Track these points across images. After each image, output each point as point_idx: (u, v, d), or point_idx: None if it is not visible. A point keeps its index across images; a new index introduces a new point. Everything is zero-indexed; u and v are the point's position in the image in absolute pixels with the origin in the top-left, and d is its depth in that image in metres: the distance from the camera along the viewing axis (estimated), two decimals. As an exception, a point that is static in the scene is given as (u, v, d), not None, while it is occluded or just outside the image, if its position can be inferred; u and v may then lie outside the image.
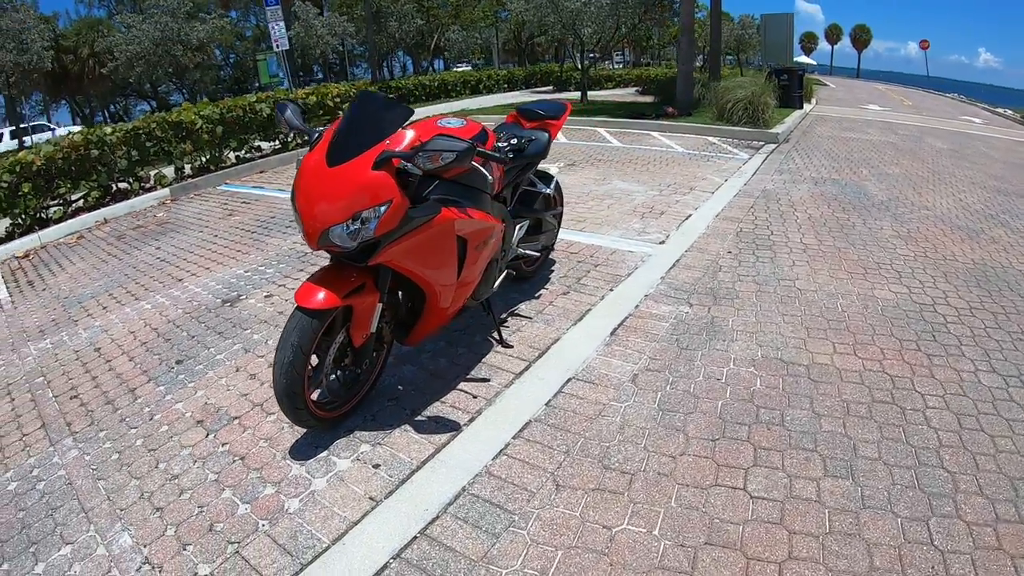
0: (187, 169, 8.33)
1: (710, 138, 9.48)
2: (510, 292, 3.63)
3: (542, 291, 3.69)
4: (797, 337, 3.03)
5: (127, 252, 5.56)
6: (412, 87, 21.44)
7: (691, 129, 10.14)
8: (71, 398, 3.04)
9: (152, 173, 7.96)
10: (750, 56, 31.41)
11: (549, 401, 2.57)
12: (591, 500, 1.98)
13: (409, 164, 2.08)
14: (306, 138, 2.39)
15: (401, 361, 2.98)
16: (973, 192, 6.26)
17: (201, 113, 8.20)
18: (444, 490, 2.08)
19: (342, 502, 2.07)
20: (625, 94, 20.01)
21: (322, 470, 2.25)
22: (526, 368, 2.84)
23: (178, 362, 3.26)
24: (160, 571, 1.88)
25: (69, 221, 6.79)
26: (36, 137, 17.40)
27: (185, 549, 1.95)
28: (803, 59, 40.97)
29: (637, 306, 3.44)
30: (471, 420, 2.47)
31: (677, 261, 4.11)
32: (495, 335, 3.10)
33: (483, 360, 2.94)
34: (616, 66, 38.24)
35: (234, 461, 2.36)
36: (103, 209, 7.12)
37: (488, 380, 2.76)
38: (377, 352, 2.55)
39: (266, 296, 4.01)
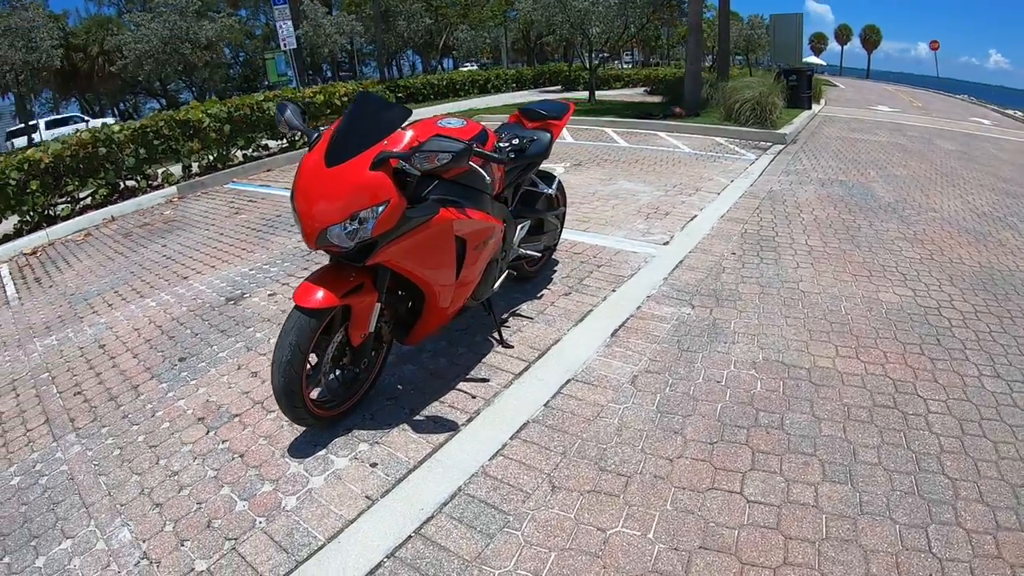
0: (195, 167, 8.39)
1: (717, 138, 9.44)
2: (512, 292, 3.63)
3: (544, 291, 3.68)
4: (799, 340, 3.01)
5: (134, 250, 5.60)
6: (420, 86, 21.46)
7: (698, 129, 10.10)
8: (75, 394, 3.06)
9: (160, 171, 8.02)
10: (759, 56, 31.24)
11: (548, 402, 2.56)
12: (586, 502, 1.98)
13: (406, 164, 2.08)
14: (307, 138, 2.40)
15: (402, 360, 2.99)
16: (981, 194, 6.20)
17: (209, 111, 8.25)
18: (440, 490, 2.08)
19: (339, 500, 2.08)
20: (633, 94, 19.96)
21: (320, 468, 2.25)
22: (526, 369, 2.84)
23: (181, 359, 3.28)
24: (158, 566, 1.89)
25: (77, 218, 6.86)
26: (70, 128, 17.48)
27: (183, 545, 1.96)
28: (812, 59, 40.78)
29: (639, 307, 3.43)
30: (469, 420, 2.48)
31: (680, 262, 4.10)
32: (496, 335, 3.10)
33: (483, 360, 2.94)
34: (625, 66, 38.15)
35: (233, 458, 2.37)
36: (111, 207, 7.18)
37: (487, 380, 2.76)
38: (376, 351, 2.55)
39: (270, 294, 4.03)
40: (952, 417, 2.36)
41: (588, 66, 17.59)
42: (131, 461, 2.44)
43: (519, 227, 3.19)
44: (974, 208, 5.57)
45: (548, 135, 3.29)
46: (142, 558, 1.93)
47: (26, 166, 6.39)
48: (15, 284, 5.15)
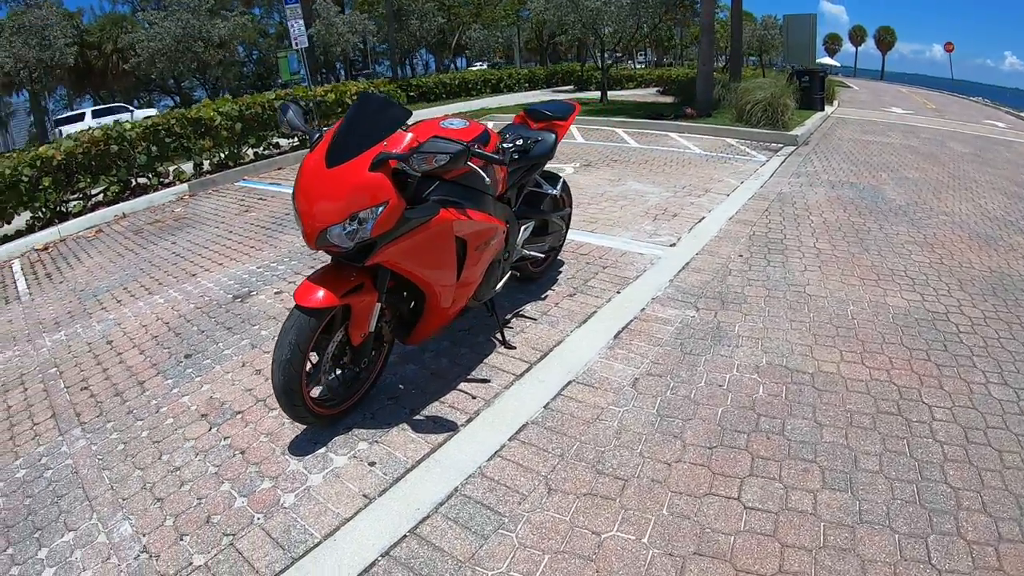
0: (206, 165, 8.47)
1: (728, 139, 9.38)
2: (516, 293, 3.63)
3: (548, 292, 3.68)
4: (804, 344, 2.98)
5: (144, 246, 5.66)
6: (433, 85, 21.53)
7: (709, 130, 10.04)
8: (82, 389, 3.10)
9: (171, 169, 8.10)
10: (773, 57, 31.00)
11: (548, 403, 2.56)
12: (582, 505, 1.97)
13: (405, 165, 2.08)
14: (308, 138, 2.41)
15: (404, 360, 3.00)
16: (994, 198, 6.11)
17: (220, 110, 8.32)
18: (437, 490, 2.09)
19: (336, 498, 2.09)
20: (646, 94, 19.88)
21: (319, 466, 2.27)
22: (527, 370, 2.83)
23: (187, 356, 3.31)
24: (157, 560, 1.91)
25: (89, 215, 6.94)
26: (114, 118, 17.61)
27: (182, 539, 1.98)
28: (826, 60, 40.40)
29: (643, 309, 3.41)
30: (469, 421, 2.48)
31: (687, 264, 4.07)
32: (498, 336, 3.11)
33: (485, 361, 2.94)
34: (638, 66, 38.00)
35: (234, 455, 2.40)
36: (122, 203, 7.26)
37: (488, 381, 2.76)
38: (377, 351, 2.56)
39: (276, 293, 4.06)
40: (957, 425, 2.33)
41: (600, 66, 17.55)
42: (134, 456, 2.47)
43: (523, 228, 3.19)
44: (986, 212, 5.49)
45: (553, 136, 3.28)
46: (142, 551, 1.95)
47: (39, 163, 6.48)
48: (26, 279, 5.22)
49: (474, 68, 34.85)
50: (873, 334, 3.07)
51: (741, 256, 4.22)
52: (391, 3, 24.40)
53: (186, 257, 5.13)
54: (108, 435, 2.65)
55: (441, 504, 2.03)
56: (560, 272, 3.98)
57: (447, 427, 2.44)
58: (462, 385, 2.74)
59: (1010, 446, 2.20)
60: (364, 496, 2.09)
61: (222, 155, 8.60)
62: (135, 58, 20.55)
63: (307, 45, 10.13)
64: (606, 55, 17.93)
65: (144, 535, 2.02)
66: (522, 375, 2.79)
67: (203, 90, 25.24)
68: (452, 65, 37.85)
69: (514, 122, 3.50)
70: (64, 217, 6.87)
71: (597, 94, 17.08)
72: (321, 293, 2.13)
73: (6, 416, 2.96)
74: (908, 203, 5.65)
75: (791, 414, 2.42)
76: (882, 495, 1.97)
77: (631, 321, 3.27)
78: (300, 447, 2.39)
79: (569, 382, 2.71)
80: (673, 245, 4.45)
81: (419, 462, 2.24)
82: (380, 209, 2.02)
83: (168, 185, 7.89)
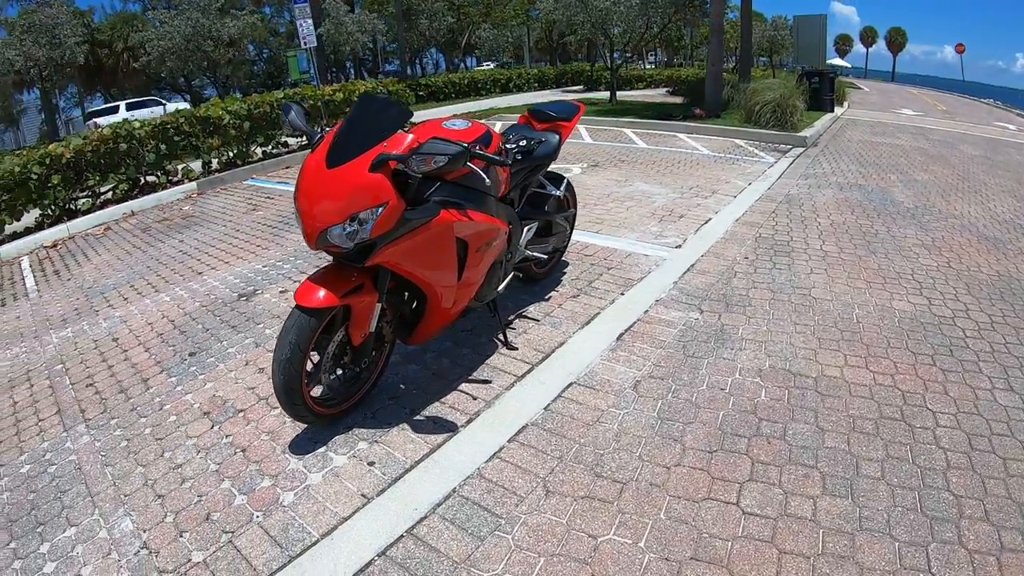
0: (214, 163, 8.52)
1: (737, 140, 9.33)
2: (520, 294, 3.63)
3: (552, 293, 3.67)
4: (808, 348, 2.96)
5: (151, 244, 5.71)
6: (442, 84, 21.58)
7: (718, 131, 10.00)
8: (87, 386, 3.13)
9: (180, 167, 8.15)
10: (783, 58, 30.82)
11: (548, 405, 2.56)
12: (579, 508, 1.97)
13: (405, 166, 2.09)
14: (310, 139, 2.42)
15: (406, 360, 3.00)
16: (1003, 201, 6.03)
17: (229, 109, 8.38)
18: (435, 490, 2.09)
19: (335, 497, 2.10)
20: (655, 94, 19.83)
21: (319, 465, 2.28)
22: (528, 371, 2.83)
23: (191, 354, 3.33)
24: (156, 556, 1.93)
25: (97, 212, 7.01)
26: (147, 111, 17.68)
27: (182, 536, 2.00)
28: (837, 61, 40.11)
29: (646, 311, 3.40)
30: (468, 421, 2.48)
31: (692, 266, 4.05)
32: (500, 337, 3.10)
33: (486, 362, 2.94)
34: (649, 66, 37.91)
35: (235, 453, 2.41)
36: (131, 201, 7.33)
37: (489, 382, 2.76)
38: (378, 351, 2.57)
39: (281, 291, 4.08)
40: (961, 431, 2.30)
41: (610, 66, 17.50)
42: (137, 453, 2.49)
43: (526, 229, 3.18)
44: (995, 215, 5.43)
45: (557, 137, 3.28)
46: (142, 547, 1.97)
47: (48, 161, 6.54)
48: (34, 276, 5.28)
49: (482, 68, 34.88)
50: (878, 338, 3.04)
51: (747, 258, 4.19)
52: (401, 2, 24.47)
53: (193, 255, 5.17)
54: (112, 432, 2.67)
55: (439, 505, 2.03)
56: (564, 273, 3.98)
57: (447, 428, 2.44)
58: (463, 386, 2.74)
59: (1015, 453, 2.17)
60: (362, 496, 2.10)
61: (231, 154, 8.65)
62: (145, 56, 20.72)
63: (316, 44, 10.17)
64: (615, 55, 17.89)
65: (144, 531, 2.04)
66: (523, 376, 2.79)
67: (213, 88, 25.37)
68: (462, 64, 37.89)
69: (518, 123, 3.50)
70: (73, 215, 6.94)
71: (606, 94, 17.05)
72: (321, 293, 2.13)
73: (12, 412, 2.99)
74: (916, 206, 5.60)
75: (793, 419, 2.40)
76: (883, 502, 1.95)
77: (634, 323, 3.26)
78: (300, 446, 2.40)
79: (570, 384, 2.70)
80: (679, 247, 4.43)
81: (418, 462, 2.25)
82: (380, 210, 2.03)
83: (177, 183, 7.95)
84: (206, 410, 2.75)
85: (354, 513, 2.02)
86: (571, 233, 3.93)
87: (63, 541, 2.05)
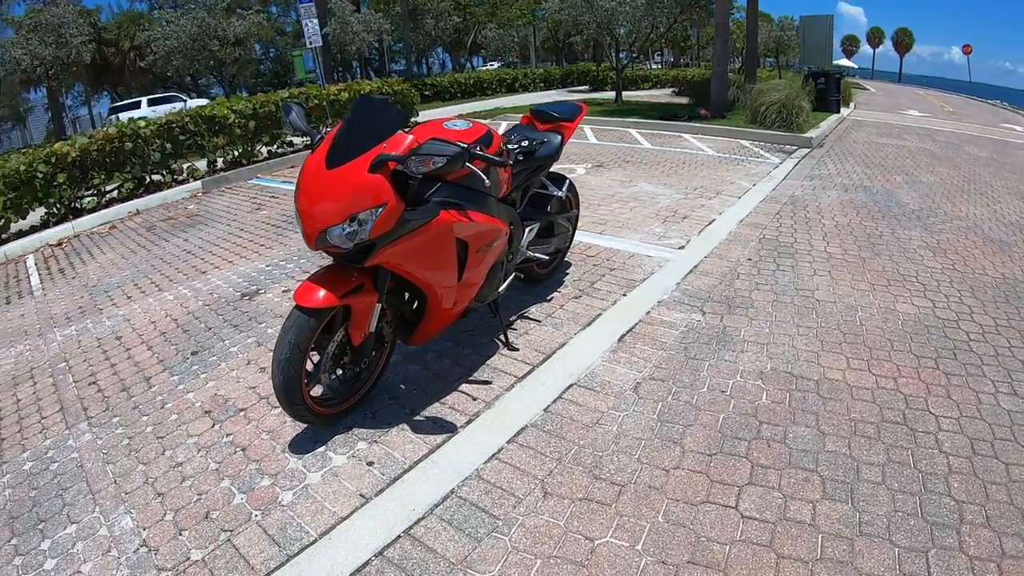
0: (219, 163, 8.55)
1: (742, 141, 9.30)
2: (522, 294, 3.62)
3: (554, 294, 3.67)
4: (810, 350, 2.94)
5: (156, 243, 5.73)
6: (448, 84, 21.59)
7: (723, 132, 9.97)
8: (90, 384, 3.15)
9: (185, 166, 8.19)
10: (789, 58, 30.70)
11: (548, 407, 2.55)
12: (577, 510, 1.96)
13: (404, 167, 2.09)
14: (310, 139, 2.43)
15: (407, 360, 3.00)
16: (1009, 202, 5.99)
17: (234, 108, 8.40)
18: (433, 491, 2.09)
19: (333, 497, 2.10)
20: (661, 95, 19.79)
21: (318, 465, 2.28)
22: (529, 372, 2.83)
23: (193, 353, 3.35)
24: (155, 554, 1.94)
25: (103, 211, 7.04)
26: (169, 107, 17.74)
27: (181, 534, 2.01)
28: (843, 62, 39.89)
29: (648, 312, 3.39)
30: (468, 422, 2.48)
31: (695, 267, 4.04)
32: (501, 337, 3.10)
33: (487, 362, 2.94)
34: (655, 66, 37.83)
35: (235, 452, 2.42)
36: (136, 200, 7.36)
37: (489, 383, 2.76)
38: (378, 351, 2.57)
39: (283, 291, 4.09)
40: (964, 436, 2.29)
41: (615, 66, 17.49)
42: (138, 451, 2.50)
43: (527, 230, 3.18)
44: (1001, 217, 5.39)
45: (559, 137, 3.27)
46: (141, 545, 1.98)
47: (54, 159, 6.58)
48: (39, 274, 5.31)
49: (487, 68, 34.89)
50: (881, 341, 3.03)
51: (750, 260, 4.18)
52: (406, 2, 24.49)
53: (197, 254, 5.19)
54: (113, 430, 2.68)
55: (436, 505, 2.03)
56: (567, 274, 3.97)
57: (446, 428, 2.44)
58: (463, 386, 2.74)
59: (1018, 459, 2.16)
60: (361, 495, 2.10)
61: (236, 153, 8.68)
62: (151, 55, 20.84)
63: (321, 44, 10.20)
64: (621, 55, 17.86)
65: (144, 529, 2.05)
66: (524, 377, 2.79)
67: (220, 87, 25.48)
68: (468, 64, 37.92)
69: (521, 123, 3.50)
70: (78, 213, 6.98)
71: (612, 94, 17.01)
72: (321, 293, 2.14)
73: (15, 409, 3.01)
74: (922, 207, 5.57)
75: (794, 422, 2.39)
76: (883, 507, 1.94)
77: (636, 324, 3.25)
78: (300, 445, 2.40)
79: (570, 385, 2.70)
80: (682, 248, 4.42)
81: (416, 463, 2.25)
82: (379, 210, 2.03)
83: (182, 182, 7.99)
84: (207, 409, 2.76)
85: (352, 513, 2.02)
86: (573, 234, 3.93)
87: (64, 538, 2.06)
